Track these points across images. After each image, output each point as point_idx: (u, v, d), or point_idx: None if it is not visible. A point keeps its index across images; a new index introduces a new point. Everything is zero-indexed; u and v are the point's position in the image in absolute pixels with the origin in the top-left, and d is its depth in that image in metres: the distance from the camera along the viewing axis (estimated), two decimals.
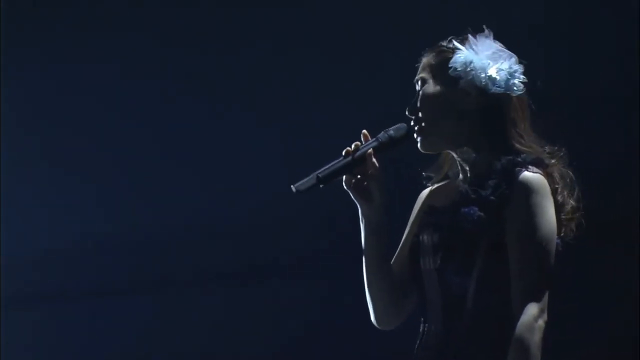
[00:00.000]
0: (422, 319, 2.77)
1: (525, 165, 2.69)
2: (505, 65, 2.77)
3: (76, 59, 5.27)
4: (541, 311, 2.63)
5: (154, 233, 5.52)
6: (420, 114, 2.78)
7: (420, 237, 2.76)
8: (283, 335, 5.43)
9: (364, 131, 2.80)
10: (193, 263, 5.61)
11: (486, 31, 2.81)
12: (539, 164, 2.71)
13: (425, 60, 2.83)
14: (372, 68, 5.00)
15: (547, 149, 2.76)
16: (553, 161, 2.73)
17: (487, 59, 2.76)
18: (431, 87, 2.79)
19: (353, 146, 2.77)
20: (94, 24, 5.23)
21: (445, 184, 2.86)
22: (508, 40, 4.90)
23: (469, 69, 2.75)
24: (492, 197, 2.67)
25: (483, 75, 2.75)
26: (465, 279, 2.67)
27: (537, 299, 2.62)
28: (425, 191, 2.90)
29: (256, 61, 5.21)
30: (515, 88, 2.77)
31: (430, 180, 2.87)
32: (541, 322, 2.62)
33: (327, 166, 2.74)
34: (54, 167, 5.47)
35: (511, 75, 2.77)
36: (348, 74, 5.05)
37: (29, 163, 5.44)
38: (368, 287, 2.83)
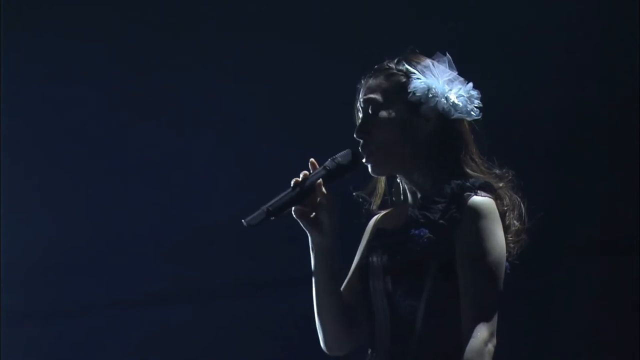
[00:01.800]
0: (370, 341, 2.75)
1: (474, 190, 2.67)
2: (463, 91, 2.77)
3: (76, 63, 5.25)
4: (491, 335, 2.61)
5: (151, 242, 5.51)
6: (373, 141, 2.75)
7: (370, 259, 2.74)
8: (282, 346, 5.42)
9: (312, 160, 2.78)
10: (195, 273, 5.61)
11: (447, 56, 2.80)
12: (488, 188, 2.70)
13: (374, 82, 2.78)
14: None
15: (496, 171, 2.76)
16: (501, 185, 2.72)
17: (446, 85, 2.76)
18: (388, 110, 2.76)
19: (301, 176, 2.74)
20: (93, 25, 5.22)
21: (395, 209, 2.84)
22: (506, 45, 4.94)
23: (430, 95, 2.74)
24: (441, 221, 2.65)
25: (445, 101, 2.74)
26: (415, 301, 2.66)
27: (487, 323, 2.60)
28: (376, 216, 2.88)
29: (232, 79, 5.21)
30: (473, 113, 2.77)
31: (369, 203, 2.85)
32: (490, 347, 2.61)
33: (276, 198, 2.71)
34: (45, 178, 5.46)
35: (470, 100, 2.77)
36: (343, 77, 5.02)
37: (22, 171, 5.43)
38: (318, 312, 2.80)
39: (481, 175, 2.72)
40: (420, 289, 2.65)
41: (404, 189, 2.81)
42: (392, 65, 2.80)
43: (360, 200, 2.85)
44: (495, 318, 2.62)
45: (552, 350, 5.20)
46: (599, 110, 5.06)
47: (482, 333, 2.59)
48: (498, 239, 2.65)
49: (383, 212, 2.87)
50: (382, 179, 2.84)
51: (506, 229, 2.70)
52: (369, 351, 2.75)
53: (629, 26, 4.90)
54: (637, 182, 5.08)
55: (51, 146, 5.42)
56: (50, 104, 5.33)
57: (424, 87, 2.75)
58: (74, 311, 5.74)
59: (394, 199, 2.84)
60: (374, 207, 2.85)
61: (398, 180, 2.82)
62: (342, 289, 2.82)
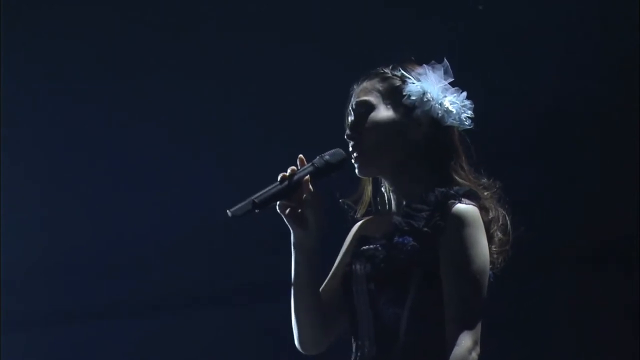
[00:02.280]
0: (353, 349, 2.74)
1: (458, 197, 2.67)
2: (457, 99, 2.78)
3: (76, 63, 5.24)
4: (475, 343, 2.60)
5: (151, 245, 5.51)
6: (364, 140, 2.75)
7: (353, 267, 2.73)
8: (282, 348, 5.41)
9: (300, 156, 2.78)
10: (195, 275, 5.60)
11: (444, 62, 2.81)
12: (472, 196, 2.69)
13: (369, 84, 2.80)
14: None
15: (484, 181, 2.76)
16: (486, 194, 2.72)
17: (441, 91, 2.77)
18: (381, 112, 2.76)
19: (289, 171, 2.73)
20: (93, 25, 5.20)
21: (379, 216, 2.84)
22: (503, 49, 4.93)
23: (425, 99, 2.76)
24: (425, 229, 2.65)
25: (439, 106, 2.76)
26: (399, 309, 2.65)
27: (471, 331, 2.59)
28: (359, 222, 2.88)
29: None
30: (466, 122, 2.78)
31: (354, 211, 2.84)
32: (474, 355, 2.59)
33: (263, 191, 2.70)
34: (43, 179, 5.46)
35: (463, 109, 2.78)
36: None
37: (21, 172, 5.43)
38: (295, 311, 2.79)
39: (468, 184, 2.72)
40: (404, 297, 2.64)
41: (388, 198, 2.81)
42: (388, 70, 2.83)
43: (346, 207, 2.85)
44: (479, 326, 2.61)
45: (551, 351, 5.20)
46: (599, 110, 5.06)
47: (466, 341, 2.58)
48: (482, 247, 2.64)
49: (366, 219, 2.87)
50: (369, 186, 2.84)
51: (490, 239, 2.69)
52: (352, 358, 2.73)
53: (629, 26, 4.90)
54: (637, 183, 5.08)
55: (51, 147, 5.42)
56: (50, 106, 5.32)
57: (419, 91, 2.77)
58: (73, 314, 5.74)
59: (379, 207, 2.84)
60: (358, 214, 2.85)
61: (383, 190, 2.82)
62: (321, 290, 2.81)
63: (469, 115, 2.78)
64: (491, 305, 2.70)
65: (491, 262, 2.69)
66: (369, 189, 2.84)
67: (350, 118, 2.81)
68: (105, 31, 5.17)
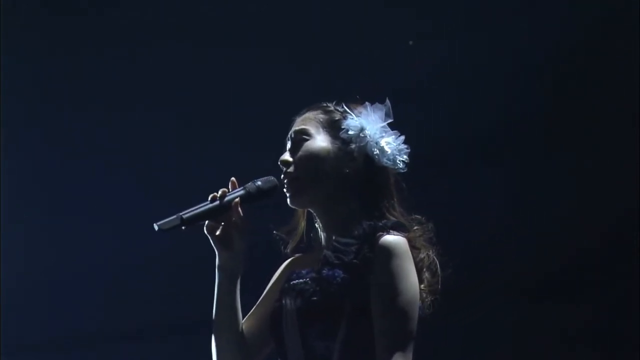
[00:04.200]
0: None
1: (386, 229, 2.69)
2: (393, 141, 2.81)
3: (76, 71, 5.22)
4: None
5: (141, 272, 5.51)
6: (297, 168, 2.78)
7: (283, 302, 2.74)
8: None
9: (233, 178, 2.79)
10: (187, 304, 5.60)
11: (386, 103, 2.84)
12: (401, 228, 2.71)
13: (311, 114, 2.85)
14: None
15: (416, 219, 2.77)
16: (416, 229, 2.74)
17: (379, 131, 2.81)
18: (317, 142, 2.80)
19: (220, 192, 2.74)
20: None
21: (310, 254, 2.85)
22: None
23: (362, 135, 2.80)
24: (355, 261, 2.66)
25: (375, 144, 2.79)
26: (330, 342, 2.65)
27: None
28: (289, 259, 2.90)
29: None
30: (400, 165, 2.81)
31: (285, 243, 2.86)
32: None
33: (192, 208, 2.71)
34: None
35: (398, 152, 2.81)
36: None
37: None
38: (216, 335, 2.80)
39: (398, 219, 2.74)
40: (335, 330, 2.65)
41: (320, 234, 2.83)
42: (330, 104, 2.88)
43: (278, 238, 2.87)
44: (410, 357, 2.62)
45: None
46: (598, 109, 5.07)
47: None
48: (411, 277, 2.66)
49: (296, 256, 2.89)
50: (303, 221, 2.87)
51: (419, 279, 2.69)
52: None
53: (629, 26, 4.90)
54: (637, 184, 5.10)
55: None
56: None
57: (357, 126, 2.81)
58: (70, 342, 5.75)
59: (312, 243, 2.86)
60: (289, 249, 2.87)
61: (316, 226, 2.84)
62: (245, 320, 2.83)
63: (403, 160, 2.81)
64: (430, 337, 2.72)
65: (420, 300, 2.69)
66: (302, 224, 2.87)
67: (287, 145, 2.84)
68: (102, 38, 5.16)
